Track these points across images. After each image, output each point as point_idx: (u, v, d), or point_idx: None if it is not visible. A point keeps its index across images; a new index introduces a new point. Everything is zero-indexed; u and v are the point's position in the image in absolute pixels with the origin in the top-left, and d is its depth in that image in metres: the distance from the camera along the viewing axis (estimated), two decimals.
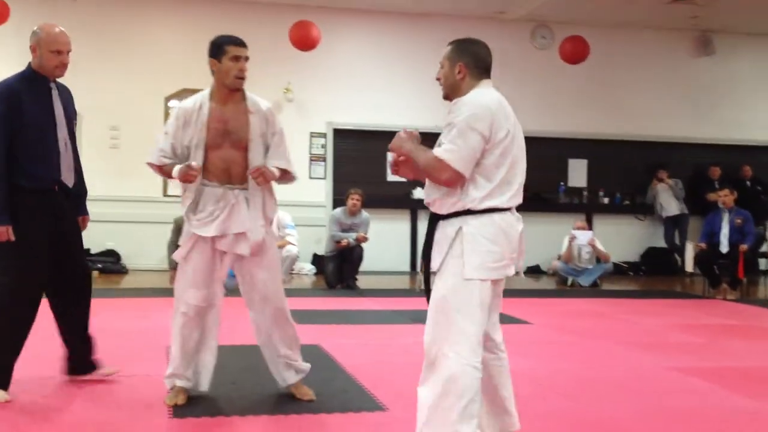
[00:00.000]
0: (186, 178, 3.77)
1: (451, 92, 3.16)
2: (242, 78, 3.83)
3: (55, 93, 4.15)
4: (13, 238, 3.80)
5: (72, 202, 4.21)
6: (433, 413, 2.92)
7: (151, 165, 3.95)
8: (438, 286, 3.03)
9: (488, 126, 2.97)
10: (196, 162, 3.79)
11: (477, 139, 2.94)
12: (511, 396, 3.24)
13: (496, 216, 2.98)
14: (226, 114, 3.86)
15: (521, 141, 3.12)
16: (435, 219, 3.08)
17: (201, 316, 3.88)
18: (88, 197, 4.46)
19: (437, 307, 3.01)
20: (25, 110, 3.93)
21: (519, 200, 3.07)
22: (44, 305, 4.13)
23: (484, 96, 3.06)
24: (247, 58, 3.86)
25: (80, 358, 4.24)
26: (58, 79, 4.23)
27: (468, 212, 2.98)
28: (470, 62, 3.16)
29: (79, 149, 4.36)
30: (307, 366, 4.07)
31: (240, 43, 3.86)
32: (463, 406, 2.87)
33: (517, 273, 3.17)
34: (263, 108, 3.96)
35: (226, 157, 3.85)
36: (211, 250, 3.87)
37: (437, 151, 2.99)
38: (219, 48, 3.83)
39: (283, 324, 3.97)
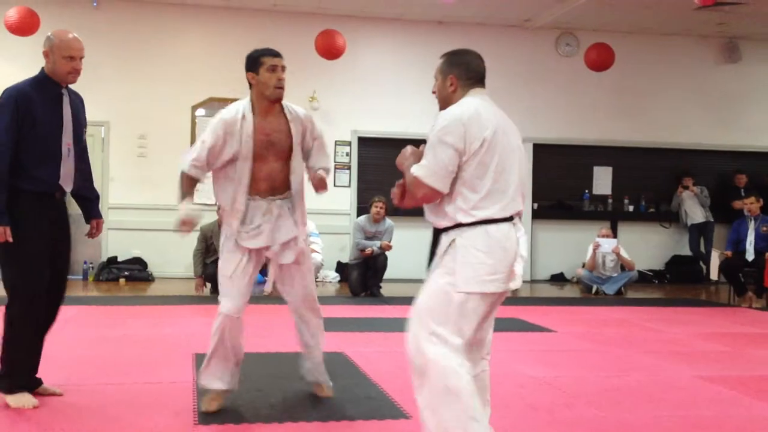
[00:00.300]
0: (181, 227, 3.85)
1: (445, 105, 3.16)
2: (281, 88, 3.86)
3: (66, 99, 4.17)
4: (11, 239, 3.81)
5: (84, 206, 4.39)
6: (440, 420, 2.90)
7: (183, 174, 3.94)
8: (424, 294, 3.07)
9: (460, 138, 2.95)
10: (243, 186, 3.85)
11: (448, 152, 2.94)
12: (485, 407, 3.19)
13: (490, 227, 2.96)
14: (269, 126, 3.90)
15: (512, 147, 3.07)
16: (437, 233, 3.12)
17: (236, 322, 3.94)
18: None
19: (421, 313, 3.02)
20: (35, 115, 3.97)
21: (517, 208, 3.04)
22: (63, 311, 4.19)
23: (460, 107, 3.05)
24: (284, 68, 3.89)
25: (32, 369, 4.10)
26: (72, 86, 4.28)
27: (461, 225, 2.99)
28: (461, 73, 3.18)
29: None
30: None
31: (275, 54, 3.89)
32: (465, 407, 2.87)
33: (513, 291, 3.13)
34: (301, 115, 4.03)
35: (270, 169, 3.91)
36: (254, 262, 3.95)
37: (413, 168, 3.02)
38: (255, 61, 3.87)
39: (320, 329, 4.24)
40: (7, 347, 3.95)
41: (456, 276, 2.96)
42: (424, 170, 2.97)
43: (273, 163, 3.91)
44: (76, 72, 4.17)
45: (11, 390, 3.91)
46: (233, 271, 3.90)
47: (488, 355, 3.25)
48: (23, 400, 3.88)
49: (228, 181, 3.91)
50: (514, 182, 3.02)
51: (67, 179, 4.13)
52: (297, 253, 3.98)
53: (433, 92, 3.25)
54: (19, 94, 3.99)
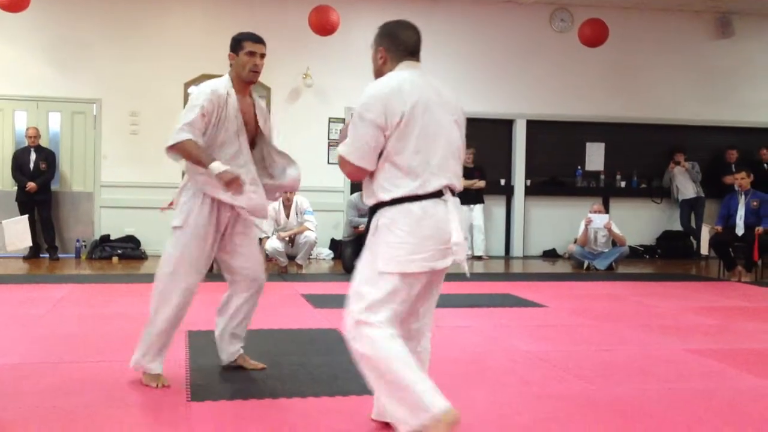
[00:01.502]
0: (237, 190, 3.84)
1: (377, 77, 3.11)
2: (256, 72, 4.04)
3: None
4: None
5: None
6: (380, 387, 2.90)
7: (176, 145, 3.90)
8: (356, 273, 3.07)
9: (380, 113, 2.90)
10: (243, 159, 4.00)
11: (369, 129, 2.91)
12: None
13: (412, 205, 2.91)
14: (243, 105, 4.07)
15: (438, 121, 2.99)
16: (371, 212, 3.07)
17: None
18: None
19: (353, 291, 3.03)
20: None
21: (444, 182, 2.96)
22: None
23: (381, 82, 3.01)
24: (263, 55, 4.05)
25: None
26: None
27: (383, 204, 2.96)
28: (390, 46, 3.11)
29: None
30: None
31: (257, 40, 4.05)
32: (405, 372, 2.82)
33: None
34: (262, 104, 4.28)
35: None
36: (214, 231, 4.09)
37: (339, 145, 3.03)
38: (237, 43, 4.05)
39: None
40: None
41: (378, 256, 2.94)
42: (347, 148, 2.97)
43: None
44: None
45: None
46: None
47: (428, 333, 3.23)
48: None
49: (228, 152, 3.98)
50: (438, 156, 2.96)
51: None
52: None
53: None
54: None
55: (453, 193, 3.01)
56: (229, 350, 4.29)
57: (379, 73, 3.13)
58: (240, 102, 4.04)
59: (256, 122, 4.16)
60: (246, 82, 4.06)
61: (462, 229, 2.99)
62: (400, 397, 2.80)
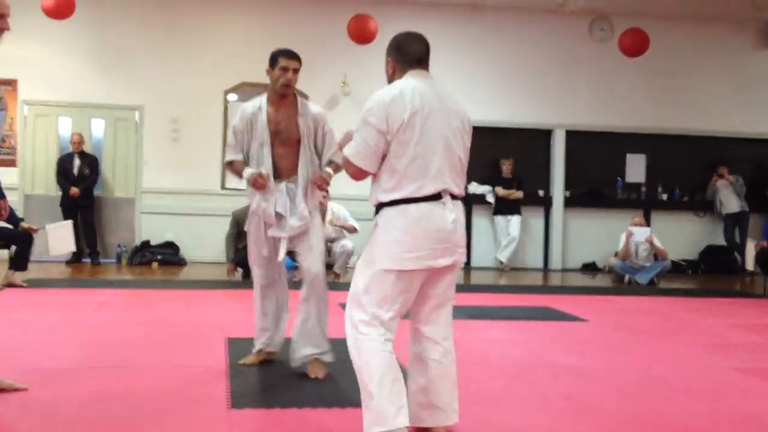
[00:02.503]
0: (256, 185, 4.25)
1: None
2: (288, 86, 4.32)
3: None
4: None
5: None
6: (362, 391, 3.04)
7: (226, 164, 4.49)
8: (356, 271, 3.21)
9: (382, 119, 3.05)
10: (264, 168, 4.29)
11: (371, 133, 3.06)
12: (446, 392, 3.25)
13: (409, 206, 3.05)
14: (279, 116, 4.35)
15: (439, 128, 3.11)
16: (375, 212, 3.21)
17: (269, 289, 4.51)
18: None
19: (351, 289, 3.17)
20: None
21: (442, 187, 3.08)
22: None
23: (387, 89, 3.16)
24: (295, 70, 4.33)
25: None
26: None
27: (382, 204, 3.12)
28: (398, 56, 3.30)
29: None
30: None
31: (290, 56, 4.34)
32: (377, 384, 2.96)
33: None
34: (313, 112, 4.47)
35: (276, 154, 4.36)
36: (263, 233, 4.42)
37: (345, 147, 3.20)
38: (273, 58, 4.36)
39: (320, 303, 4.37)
40: None
41: (375, 254, 3.10)
42: (351, 150, 3.14)
43: (278, 149, 4.36)
44: (3, 31, 3.63)
45: None
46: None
47: (446, 341, 3.33)
48: None
49: (255, 163, 4.37)
50: (437, 162, 3.07)
51: None
52: (292, 229, 4.30)
53: None
54: None
55: (453, 197, 3.13)
56: (294, 356, 4.35)
57: (390, 81, 3.30)
58: (275, 114, 4.34)
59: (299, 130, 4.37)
60: (279, 94, 4.34)
61: (459, 231, 3.12)
62: (368, 405, 2.99)
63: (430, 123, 3.09)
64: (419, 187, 3.05)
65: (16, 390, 3.83)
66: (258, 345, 4.57)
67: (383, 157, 3.10)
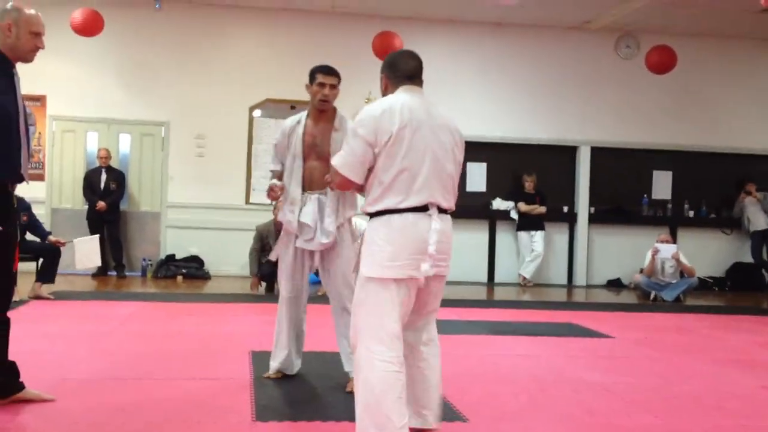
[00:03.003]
0: (270, 195, 4.47)
1: None
2: (325, 101, 4.46)
3: (17, 79, 3.69)
4: None
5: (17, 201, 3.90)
6: (361, 409, 3.09)
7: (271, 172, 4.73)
8: (357, 282, 3.30)
9: (371, 131, 3.16)
10: (294, 180, 4.45)
11: (360, 144, 3.18)
12: (429, 395, 3.36)
13: (393, 217, 3.14)
14: (315, 130, 4.49)
15: (426, 142, 3.20)
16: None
17: (295, 301, 4.60)
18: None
19: (353, 304, 3.29)
20: None
21: (429, 200, 3.16)
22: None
23: (378, 103, 3.27)
24: (332, 86, 4.47)
25: None
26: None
27: (369, 215, 3.24)
28: (390, 73, 3.42)
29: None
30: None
31: (327, 72, 4.48)
32: (377, 401, 3.02)
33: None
34: (347, 126, 4.41)
35: (310, 167, 4.47)
36: (295, 246, 4.50)
37: (333, 157, 3.35)
38: (312, 75, 4.51)
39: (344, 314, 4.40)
40: None
41: (362, 263, 3.22)
42: (340, 160, 3.25)
43: (313, 162, 4.46)
44: (37, 50, 3.72)
45: None
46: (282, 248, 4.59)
47: (426, 347, 3.41)
48: None
49: (287, 175, 4.52)
50: (423, 175, 3.16)
51: (26, 169, 3.71)
52: (319, 243, 4.38)
53: None
54: None
55: (440, 210, 3.21)
56: (343, 369, 4.45)
57: (383, 95, 3.43)
58: (312, 128, 4.49)
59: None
60: (318, 110, 4.49)
61: (443, 242, 3.18)
62: (373, 419, 3.02)
63: (419, 137, 3.19)
64: (404, 198, 3.14)
65: (44, 401, 3.86)
66: (275, 365, 4.61)
67: (371, 170, 3.20)
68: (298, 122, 4.54)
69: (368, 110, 3.23)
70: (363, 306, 3.19)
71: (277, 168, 4.63)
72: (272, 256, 4.77)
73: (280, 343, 4.60)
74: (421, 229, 3.14)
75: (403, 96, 3.29)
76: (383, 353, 3.08)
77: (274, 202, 9.34)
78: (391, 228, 3.14)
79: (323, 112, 4.51)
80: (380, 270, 3.13)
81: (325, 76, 4.46)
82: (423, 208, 3.15)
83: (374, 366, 3.07)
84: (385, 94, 3.42)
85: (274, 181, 4.51)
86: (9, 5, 3.70)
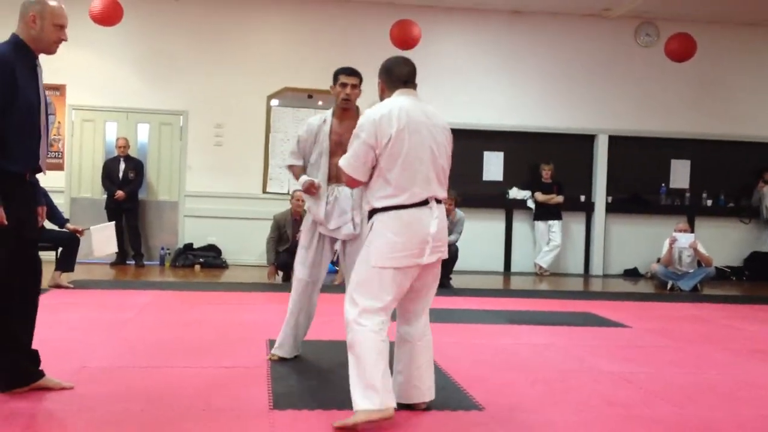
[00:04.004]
0: (309, 192, 4.68)
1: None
2: (347, 100, 4.75)
3: (39, 71, 3.76)
4: (5, 222, 3.54)
5: (36, 190, 3.93)
6: (353, 374, 3.47)
7: (288, 167, 5.01)
8: (355, 268, 3.66)
9: (372, 134, 3.51)
10: (320, 175, 4.71)
11: (362, 146, 3.54)
12: (424, 373, 3.72)
13: (401, 212, 3.52)
14: (341, 128, 4.73)
15: (423, 142, 3.56)
16: (368, 216, 3.69)
17: (310, 287, 4.79)
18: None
19: (351, 285, 3.62)
20: (18, 85, 3.59)
21: (429, 194, 3.56)
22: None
23: (377, 107, 3.60)
24: (354, 86, 4.76)
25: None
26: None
27: (377, 210, 3.57)
28: (386, 78, 3.77)
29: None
30: None
31: (349, 73, 4.78)
32: (370, 365, 3.40)
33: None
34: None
35: (335, 162, 4.52)
36: (319, 235, 4.77)
37: (341, 158, 3.71)
38: (335, 75, 4.81)
39: None
40: None
41: (371, 254, 3.53)
42: (345, 161, 3.63)
43: (338, 158, 4.55)
44: (61, 42, 3.78)
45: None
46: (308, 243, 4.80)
47: (425, 327, 3.75)
48: None
49: (313, 169, 4.78)
50: (423, 172, 3.55)
51: (45, 161, 3.80)
52: (346, 233, 4.63)
53: None
54: (3, 57, 3.57)
55: (438, 201, 3.61)
56: None
57: (381, 99, 3.74)
58: (338, 126, 4.75)
59: None
60: (341, 108, 4.78)
61: (441, 230, 3.58)
62: (360, 382, 3.42)
63: (416, 137, 3.54)
64: (410, 195, 3.52)
65: (63, 389, 3.90)
66: (276, 350, 4.81)
67: (374, 168, 3.56)
68: (324, 121, 4.79)
69: (368, 115, 3.57)
70: (363, 286, 3.53)
71: (298, 163, 4.87)
72: (301, 238, 4.94)
73: (288, 330, 4.79)
74: (426, 223, 3.53)
75: (399, 99, 3.62)
76: (374, 327, 3.45)
77: (292, 192, 9.42)
78: (401, 222, 3.50)
79: (346, 111, 4.77)
80: (390, 260, 3.48)
81: (347, 77, 4.75)
82: (424, 203, 3.54)
83: (366, 337, 3.44)
84: (382, 96, 3.75)
85: (311, 178, 4.69)
86: None
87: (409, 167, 3.51)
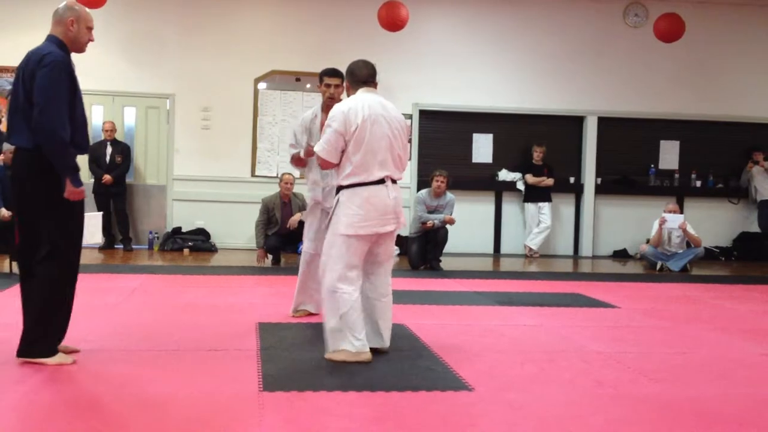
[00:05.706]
0: (309, 154, 5.22)
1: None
2: (332, 98, 5.39)
3: (74, 67, 4.31)
4: (84, 196, 4.20)
5: None
6: (328, 330, 4.30)
7: (292, 158, 5.65)
8: (325, 242, 4.43)
9: (341, 124, 4.28)
10: (315, 164, 5.19)
11: (334, 134, 4.30)
12: (383, 323, 4.50)
13: (361, 188, 4.28)
14: None
15: (382, 131, 4.32)
16: (336, 192, 4.45)
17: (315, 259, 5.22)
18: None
19: (325, 254, 4.39)
20: (76, 82, 4.22)
21: (385, 173, 4.32)
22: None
23: (345, 102, 4.41)
24: (336, 86, 5.40)
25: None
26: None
27: (342, 187, 4.34)
28: (350, 79, 4.57)
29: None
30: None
31: (331, 74, 5.44)
32: (342, 314, 4.24)
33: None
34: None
35: None
36: (320, 213, 5.46)
37: (316, 144, 4.48)
38: (320, 77, 5.51)
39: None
40: (47, 309, 4.05)
41: (339, 224, 4.30)
42: (320, 147, 4.38)
43: None
44: (90, 42, 4.45)
45: (51, 353, 4.06)
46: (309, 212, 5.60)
47: (387, 287, 4.56)
48: (61, 358, 4.09)
49: (310, 160, 5.41)
50: (381, 156, 4.31)
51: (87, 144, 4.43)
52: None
53: None
54: (66, 60, 4.17)
55: (393, 181, 4.38)
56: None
57: (348, 95, 4.57)
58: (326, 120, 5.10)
59: None
60: (328, 105, 5.31)
61: (398, 205, 4.39)
62: (339, 332, 4.25)
63: (377, 127, 4.31)
64: (369, 175, 4.28)
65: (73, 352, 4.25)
66: (297, 306, 5.64)
67: (343, 153, 4.30)
68: (315, 116, 5.50)
69: (338, 108, 4.34)
70: (335, 253, 4.30)
71: (293, 152, 5.60)
72: (306, 219, 5.69)
73: (302, 289, 5.57)
74: (383, 197, 4.31)
75: (362, 96, 4.41)
76: (346, 287, 4.26)
77: (280, 175, 9.40)
78: (362, 197, 4.27)
79: (330, 106, 5.06)
80: (355, 229, 4.26)
81: (329, 77, 5.42)
82: (381, 181, 4.30)
83: (341, 297, 4.24)
84: (349, 94, 4.55)
85: (307, 144, 5.34)
86: (68, 2, 4.35)
87: (370, 152, 4.26)
